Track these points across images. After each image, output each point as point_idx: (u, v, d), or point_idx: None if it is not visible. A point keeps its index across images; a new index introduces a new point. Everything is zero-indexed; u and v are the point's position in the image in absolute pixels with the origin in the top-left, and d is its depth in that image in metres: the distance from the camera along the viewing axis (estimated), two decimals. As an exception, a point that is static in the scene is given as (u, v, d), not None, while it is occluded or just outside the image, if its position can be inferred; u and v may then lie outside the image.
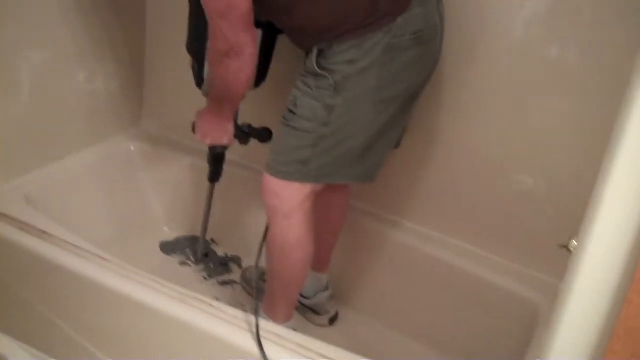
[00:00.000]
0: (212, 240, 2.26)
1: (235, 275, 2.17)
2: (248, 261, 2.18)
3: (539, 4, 1.61)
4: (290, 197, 1.61)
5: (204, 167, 1.98)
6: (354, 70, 1.47)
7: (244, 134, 1.83)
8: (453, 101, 1.81)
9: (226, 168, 1.98)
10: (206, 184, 2.01)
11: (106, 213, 2.15)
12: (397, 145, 1.75)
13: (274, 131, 1.76)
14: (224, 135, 1.79)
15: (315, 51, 1.50)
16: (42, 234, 1.71)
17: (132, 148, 2.29)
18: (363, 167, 1.64)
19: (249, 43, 1.50)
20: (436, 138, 1.88)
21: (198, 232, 2.17)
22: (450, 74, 1.77)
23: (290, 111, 1.55)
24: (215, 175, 1.97)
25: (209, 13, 1.48)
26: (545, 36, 1.63)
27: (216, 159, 1.94)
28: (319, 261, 1.94)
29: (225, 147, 1.89)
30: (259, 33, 1.69)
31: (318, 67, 1.50)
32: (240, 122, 1.86)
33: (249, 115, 1.89)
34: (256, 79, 1.77)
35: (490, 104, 1.77)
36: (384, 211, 2.06)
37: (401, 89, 1.54)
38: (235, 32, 1.47)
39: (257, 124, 1.86)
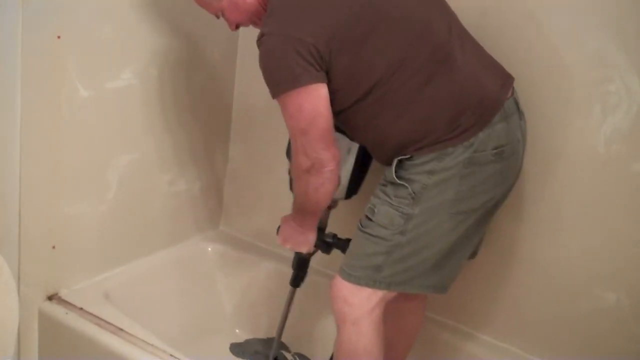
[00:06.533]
0: (283, 345, 2.24)
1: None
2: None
3: (620, 120, 1.61)
4: (360, 304, 1.59)
5: (278, 271, 1.99)
6: (433, 181, 1.49)
7: (327, 244, 1.82)
8: (532, 214, 1.80)
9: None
10: (280, 288, 2.01)
11: (180, 312, 2.17)
12: (473, 255, 1.73)
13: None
14: (303, 243, 1.80)
15: (395, 162, 1.53)
16: (118, 330, 1.74)
17: (209, 249, 2.34)
18: (436, 277, 1.61)
19: (329, 160, 1.53)
20: (514, 250, 1.86)
21: (269, 335, 2.16)
22: (531, 187, 1.77)
23: (368, 218, 1.57)
24: (297, 279, 1.96)
25: (291, 131, 1.53)
26: (627, 152, 1.62)
27: (300, 264, 1.93)
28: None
29: (310, 254, 1.88)
30: (356, 148, 1.73)
31: (397, 177, 1.52)
32: (327, 230, 1.86)
33: (335, 225, 1.88)
34: (348, 191, 1.79)
35: (571, 218, 1.75)
36: (458, 322, 2.01)
37: (480, 202, 1.54)
38: (316, 150, 1.51)
39: (343, 235, 1.83)
